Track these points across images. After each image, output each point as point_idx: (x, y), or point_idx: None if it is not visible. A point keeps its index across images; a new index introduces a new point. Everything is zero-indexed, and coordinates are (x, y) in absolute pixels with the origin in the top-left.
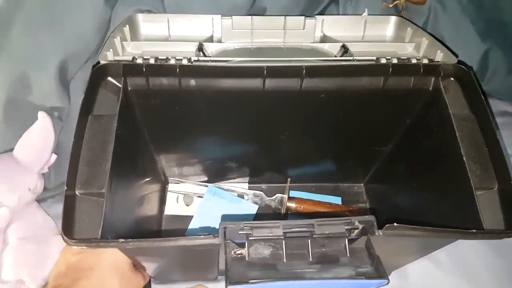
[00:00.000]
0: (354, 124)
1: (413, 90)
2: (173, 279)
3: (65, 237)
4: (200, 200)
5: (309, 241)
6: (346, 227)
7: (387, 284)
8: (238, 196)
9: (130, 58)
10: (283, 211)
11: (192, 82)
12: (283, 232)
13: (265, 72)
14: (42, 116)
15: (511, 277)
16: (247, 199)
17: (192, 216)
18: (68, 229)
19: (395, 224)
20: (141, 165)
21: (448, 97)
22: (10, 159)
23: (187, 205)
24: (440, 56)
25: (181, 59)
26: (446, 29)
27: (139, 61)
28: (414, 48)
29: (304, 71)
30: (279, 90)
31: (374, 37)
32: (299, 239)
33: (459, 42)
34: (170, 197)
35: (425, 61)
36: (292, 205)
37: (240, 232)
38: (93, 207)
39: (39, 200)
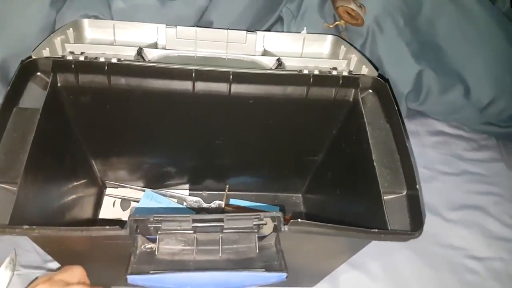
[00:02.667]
0: (284, 132)
1: (335, 100)
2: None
3: None
4: (136, 205)
5: (220, 236)
6: (254, 222)
7: (286, 278)
8: (177, 202)
9: (61, 54)
10: None
11: (122, 80)
12: (193, 226)
13: (193, 74)
14: None
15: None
16: (185, 205)
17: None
18: None
19: (299, 220)
20: (71, 164)
21: (366, 108)
22: None
23: (123, 210)
24: (365, 70)
25: (110, 58)
26: (383, 50)
27: (69, 57)
28: (346, 65)
29: (231, 76)
30: (209, 94)
31: (312, 54)
32: (211, 234)
33: (394, 62)
34: (106, 201)
35: (345, 73)
36: (230, 210)
37: (149, 225)
38: (6, 196)
39: None
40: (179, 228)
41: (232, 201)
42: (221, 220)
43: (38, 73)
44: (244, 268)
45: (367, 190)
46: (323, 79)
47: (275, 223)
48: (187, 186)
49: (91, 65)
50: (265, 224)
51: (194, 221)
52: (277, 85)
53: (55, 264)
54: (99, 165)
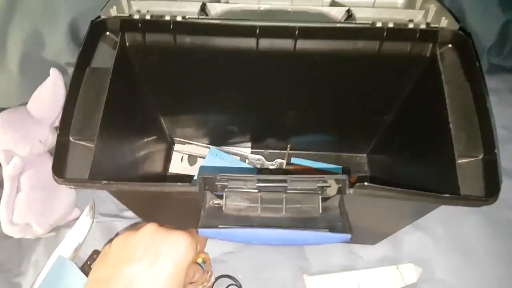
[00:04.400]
0: (352, 90)
1: (410, 56)
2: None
3: (54, 176)
4: (202, 161)
5: (284, 196)
6: (318, 184)
7: (350, 239)
8: (239, 160)
9: (129, 14)
10: None
11: (187, 39)
12: (257, 186)
13: (257, 31)
14: (53, 73)
15: (506, 259)
16: (247, 163)
17: (195, 175)
18: (58, 169)
19: (365, 183)
20: (142, 121)
21: (444, 64)
22: (24, 112)
23: (191, 165)
24: (444, 22)
25: (175, 16)
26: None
27: (136, 16)
28: (423, 16)
29: (297, 31)
30: (273, 51)
31: (385, 3)
32: (275, 194)
33: (478, 12)
34: (175, 157)
35: (422, 26)
36: (291, 169)
37: (216, 183)
38: (85, 152)
39: (52, 152)
40: (244, 187)
41: (294, 160)
42: (284, 181)
43: (107, 33)
44: (307, 227)
45: (440, 153)
46: (398, 32)
47: (340, 185)
48: (249, 144)
49: (157, 24)
50: (329, 187)
51: (259, 180)
52: (347, 39)
53: (130, 213)
54: (168, 122)
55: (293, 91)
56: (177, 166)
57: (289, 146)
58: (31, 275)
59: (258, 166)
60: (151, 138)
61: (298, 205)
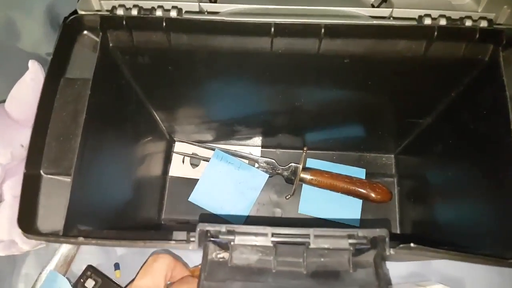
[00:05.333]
0: (385, 94)
1: (463, 59)
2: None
3: (20, 227)
4: (206, 163)
5: (304, 250)
6: (350, 241)
7: None
8: (248, 163)
9: (111, 6)
10: (296, 182)
11: (184, 38)
12: (272, 241)
13: (272, 29)
14: (32, 66)
15: None
16: (257, 167)
17: (198, 179)
18: (26, 219)
19: (411, 244)
20: (135, 128)
21: (508, 73)
22: (1, 112)
23: (193, 167)
24: (506, 13)
25: (169, 10)
26: None
27: (120, 12)
28: (484, 9)
29: (323, 30)
30: (291, 53)
31: None
32: (292, 247)
33: None
34: (175, 158)
35: (484, 23)
36: (307, 176)
37: (221, 237)
38: (63, 188)
39: None
40: (255, 243)
41: (310, 162)
42: (306, 236)
43: (85, 32)
44: None
45: (503, 181)
46: (453, 32)
47: (374, 237)
48: (259, 142)
49: (145, 22)
50: (364, 243)
51: (274, 235)
52: (385, 39)
53: None
54: (166, 122)
55: (313, 94)
56: (178, 168)
57: (305, 149)
58: None
59: (269, 170)
60: (148, 139)
61: (322, 259)
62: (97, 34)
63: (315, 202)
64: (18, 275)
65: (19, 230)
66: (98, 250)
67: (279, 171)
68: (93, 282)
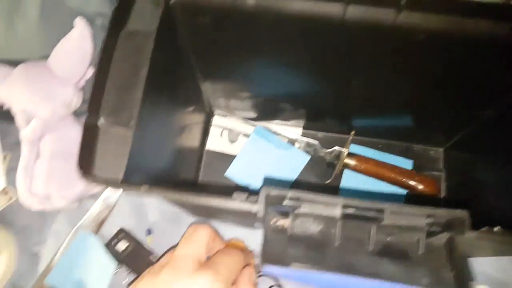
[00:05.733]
0: (452, 79)
1: None
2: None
3: (80, 171)
4: (245, 139)
5: (373, 226)
6: (427, 220)
7: None
8: (288, 142)
9: None
10: (338, 167)
11: (250, 0)
12: (341, 213)
13: None
14: (80, 23)
15: None
16: (298, 147)
17: (235, 155)
18: (85, 163)
19: (495, 229)
20: (183, 93)
21: None
22: (45, 68)
23: (231, 142)
24: None
25: None
26: None
27: None
28: None
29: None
30: (364, 23)
31: None
32: (359, 222)
33: None
34: (213, 131)
35: None
36: (351, 162)
37: (285, 204)
38: (119, 140)
39: (79, 113)
40: (323, 214)
41: (353, 148)
42: (381, 212)
43: None
44: (407, 281)
45: None
46: None
47: (455, 224)
48: (301, 123)
49: None
50: (441, 225)
51: (344, 206)
52: (469, 17)
53: None
54: (210, 91)
55: (374, 72)
56: (216, 142)
57: (352, 133)
58: (51, 245)
59: (311, 152)
60: (190, 108)
61: (389, 238)
62: None
63: (356, 189)
64: (49, 230)
65: (55, 186)
66: (130, 214)
67: (322, 154)
68: (125, 245)
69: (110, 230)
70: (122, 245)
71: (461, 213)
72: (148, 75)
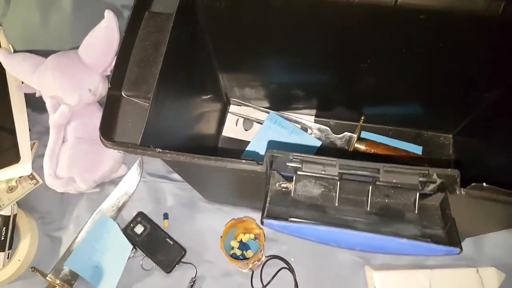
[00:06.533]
0: (454, 59)
1: None
2: (221, 201)
3: (102, 138)
4: (260, 126)
5: (370, 187)
6: (420, 178)
7: (459, 253)
8: (301, 129)
9: None
10: (349, 150)
11: None
12: (339, 173)
13: None
14: (108, 15)
15: None
16: (310, 133)
17: (249, 141)
18: (106, 130)
19: (484, 184)
20: (200, 77)
21: None
22: (74, 56)
23: (246, 130)
24: None
25: None
26: None
27: None
28: None
29: None
30: (367, 4)
31: None
32: (357, 184)
33: None
34: (229, 119)
35: None
36: (361, 147)
37: (288, 164)
38: (138, 111)
39: (102, 103)
40: (322, 172)
41: (364, 135)
42: (376, 171)
43: None
44: (402, 235)
45: None
46: None
47: (447, 183)
48: (313, 111)
49: None
50: (434, 183)
51: (341, 166)
52: None
53: (178, 176)
54: (226, 80)
55: (381, 54)
56: (231, 129)
57: (362, 118)
58: (72, 230)
59: (322, 137)
60: (207, 96)
61: (386, 200)
62: None
63: None
64: (70, 217)
65: (79, 169)
66: (149, 199)
67: (333, 139)
68: (142, 228)
69: (129, 214)
70: (140, 228)
71: (452, 172)
72: (166, 52)
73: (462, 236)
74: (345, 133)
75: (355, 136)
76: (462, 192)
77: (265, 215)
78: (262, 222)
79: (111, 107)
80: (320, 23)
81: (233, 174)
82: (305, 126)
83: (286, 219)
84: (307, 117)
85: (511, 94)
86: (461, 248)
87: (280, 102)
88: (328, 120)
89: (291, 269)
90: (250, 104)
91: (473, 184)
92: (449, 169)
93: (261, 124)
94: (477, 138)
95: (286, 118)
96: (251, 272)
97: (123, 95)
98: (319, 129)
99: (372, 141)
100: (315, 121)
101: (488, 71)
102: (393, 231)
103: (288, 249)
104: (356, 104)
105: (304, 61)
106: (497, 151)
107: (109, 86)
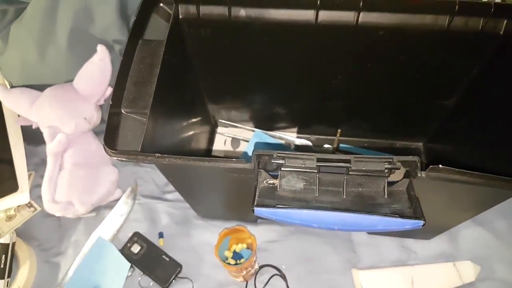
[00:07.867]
0: (415, 70)
1: (482, 33)
2: (213, 216)
3: (106, 148)
4: (246, 144)
5: (345, 178)
6: (386, 165)
7: (423, 226)
8: (284, 144)
9: None
10: None
11: (242, 12)
12: (317, 165)
13: (318, 2)
14: (101, 49)
15: None
16: (293, 148)
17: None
18: (110, 141)
19: (440, 165)
20: (190, 100)
21: None
22: (70, 88)
23: (234, 149)
24: None
25: None
26: None
27: None
28: None
29: (361, 3)
30: (333, 25)
31: None
32: (334, 176)
33: None
34: (218, 139)
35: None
36: None
37: (272, 161)
38: (136, 125)
39: (96, 132)
40: (302, 166)
41: (342, 147)
42: (347, 161)
43: (161, 4)
44: (373, 212)
45: None
46: (471, 7)
47: (408, 168)
48: (295, 129)
49: None
50: (398, 169)
51: (319, 160)
52: (415, 13)
53: (172, 196)
54: (213, 103)
55: (350, 70)
56: (220, 149)
57: (339, 131)
58: (70, 255)
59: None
60: (196, 118)
61: (360, 189)
62: (171, 7)
63: None
64: (68, 241)
65: (77, 193)
66: (145, 219)
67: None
68: (139, 247)
69: (125, 235)
70: (136, 247)
71: (413, 158)
72: (160, 73)
73: (437, 231)
74: (325, 145)
75: (333, 148)
76: (423, 175)
77: (255, 203)
78: (253, 211)
79: (113, 122)
80: (292, 43)
81: (225, 177)
82: (288, 142)
83: (274, 206)
84: (290, 134)
85: (466, 100)
86: (424, 220)
87: (265, 122)
88: (309, 136)
89: (283, 276)
90: (237, 125)
91: (430, 166)
92: (411, 156)
93: (248, 142)
94: (445, 144)
95: (271, 136)
96: (245, 282)
97: (123, 111)
98: (301, 143)
99: (349, 152)
100: (297, 137)
101: (443, 80)
102: (368, 211)
103: (279, 257)
104: (332, 120)
105: (283, 80)
106: (464, 154)
107: (111, 103)
